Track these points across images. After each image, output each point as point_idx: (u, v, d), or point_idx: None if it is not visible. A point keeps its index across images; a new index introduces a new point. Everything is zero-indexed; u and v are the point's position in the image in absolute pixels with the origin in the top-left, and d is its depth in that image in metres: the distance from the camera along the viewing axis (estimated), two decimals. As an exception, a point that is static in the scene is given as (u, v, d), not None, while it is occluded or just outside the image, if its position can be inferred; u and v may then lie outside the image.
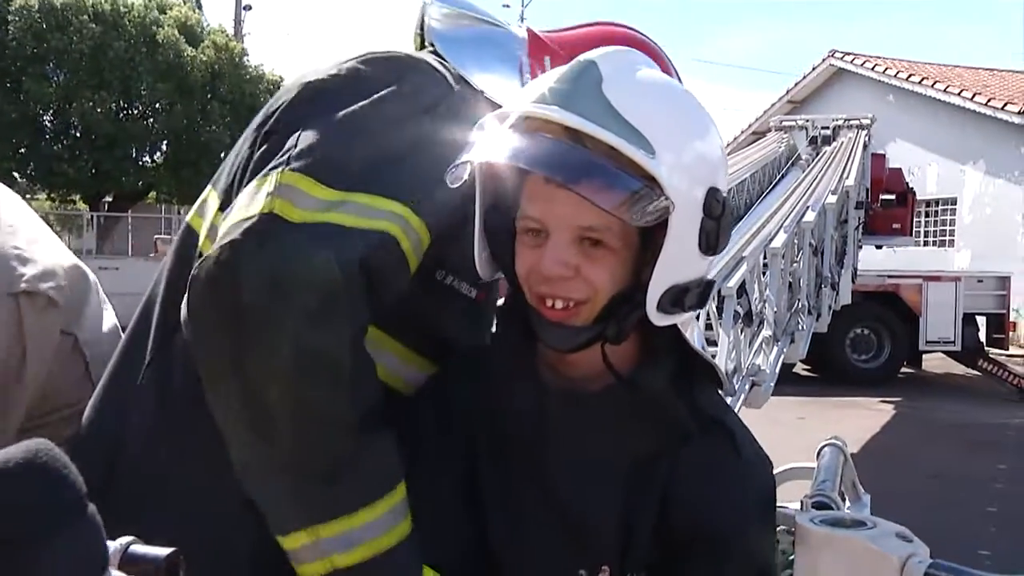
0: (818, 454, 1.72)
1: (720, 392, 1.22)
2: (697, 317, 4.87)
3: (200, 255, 1.16)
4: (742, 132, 21.57)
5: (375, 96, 1.14)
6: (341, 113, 1.12)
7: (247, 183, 1.11)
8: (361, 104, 1.13)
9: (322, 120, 1.12)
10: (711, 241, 1.06)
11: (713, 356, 4.63)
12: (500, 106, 1.21)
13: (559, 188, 1.00)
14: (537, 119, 1.02)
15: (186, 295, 1.04)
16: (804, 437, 8.02)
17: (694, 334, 1.23)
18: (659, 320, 1.06)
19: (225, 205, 1.16)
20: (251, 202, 1.05)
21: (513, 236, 1.10)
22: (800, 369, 12.50)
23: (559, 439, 1.10)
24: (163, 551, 0.84)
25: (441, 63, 1.30)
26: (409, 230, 1.08)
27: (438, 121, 1.17)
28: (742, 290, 5.05)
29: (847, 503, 1.78)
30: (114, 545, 0.87)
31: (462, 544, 1.11)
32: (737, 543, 1.09)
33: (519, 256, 1.09)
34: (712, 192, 1.05)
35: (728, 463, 1.11)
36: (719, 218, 1.05)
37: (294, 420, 1.01)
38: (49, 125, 20.68)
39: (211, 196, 1.26)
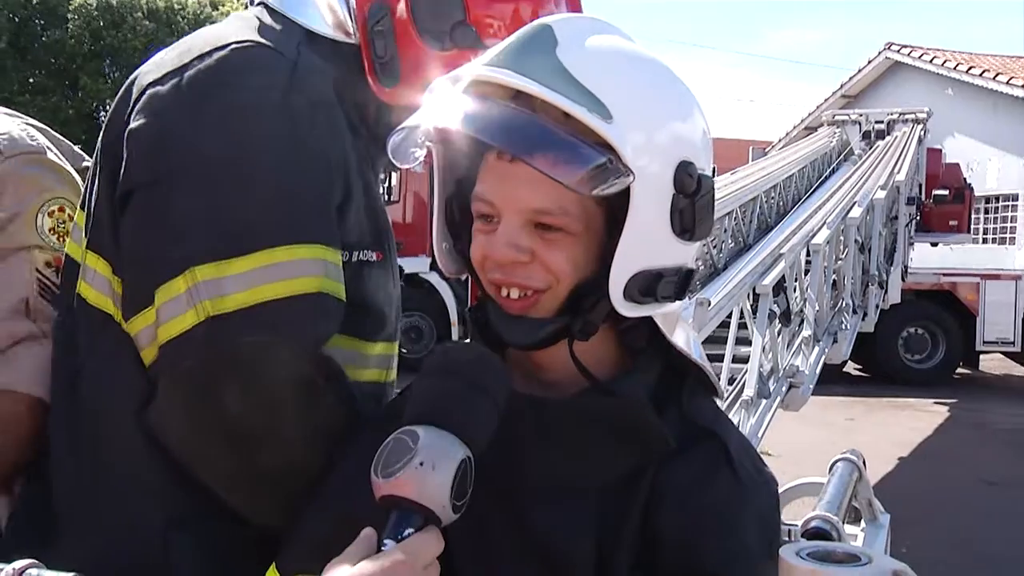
0: (830, 469, 1.60)
1: (716, 399, 1.10)
2: (729, 316, 4.77)
3: (93, 310, 1.17)
4: (794, 127, 21.15)
5: (222, 129, 1.11)
6: (197, 166, 1.10)
7: (130, 253, 1.12)
8: (213, 146, 1.10)
9: (182, 182, 1.10)
10: (686, 222, 0.96)
11: (746, 357, 4.52)
12: (351, 44, 1.26)
13: (511, 164, 0.93)
14: (485, 84, 0.94)
15: (156, 416, 1.10)
16: (853, 439, 7.89)
17: (690, 336, 1.11)
18: (627, 310, 0.96)
19: (98, 248, 1.17)
20: (177, 310, 1.07)
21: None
22: (851, 369, 12.26)
23: (528, 454, 0.99)
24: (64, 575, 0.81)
25: (275, 19, 1.23)
26: (329, 268, 1.11)
27: (293, 113, 1.13)
28: (781, 288, 4.89)
29: (862, 523, 1.66)
30: (7, 569, 0.82)
31: None
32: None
33: (474, 242, 1.00)
34: (684, 166, 0.95)
35: (719, 480, 0.99)
36: (694, 196, 0.95)
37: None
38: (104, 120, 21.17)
39: (81, 221, 1.24)
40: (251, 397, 1.05)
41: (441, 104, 0.95)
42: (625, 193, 0.91)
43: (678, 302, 1.02)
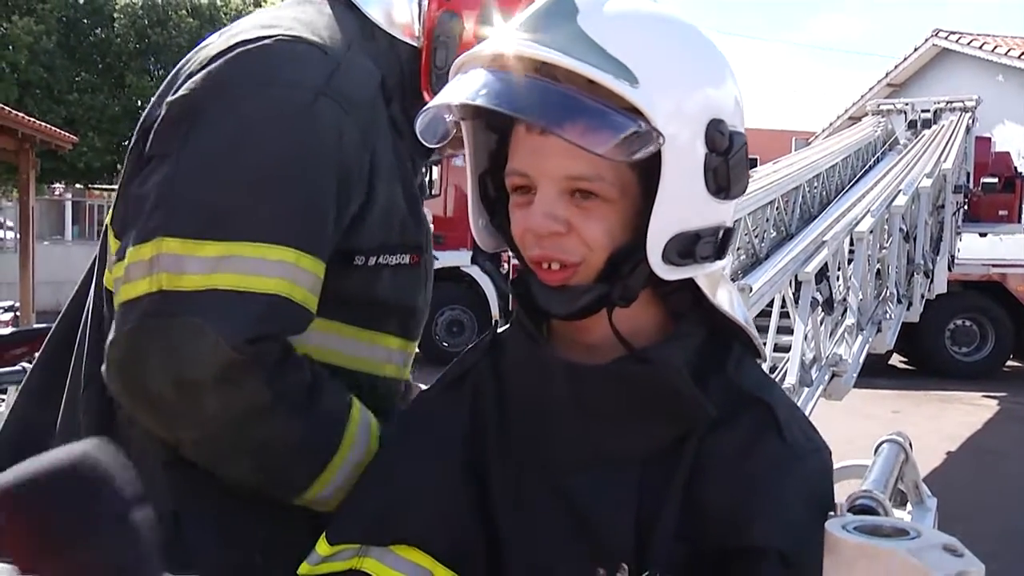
0: (876, 450, 1.57)
1: (760, 363, 1.09)
2: (771, 304, 4.71)
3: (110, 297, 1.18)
4: (838, 117, 20.83)
5: (242, 116, 1.11)
6: (207, 145, 1.10)
7: (131, 221, 1.12)
8: (227, 130, 1.11)
9: (187, 157, 1.10)
10: (720, 181, 0.96)
11: (787, 346, 4.45)
12: (413, 46, 1.28)
13: (542, 136, 0.93)
14: (508, 57, 0.94)
15: (103, 369, 1.11)
16: (899, 431, 7.72)
17: (733, 296, 1.09)
18: (666, 273, 0.96)
19: (119, 228, 1.18)
20: (138, 274, 1.08)
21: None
22: (896, 361, 12.06)
23: (566, 422, 0.99)
24: None
25: (337, 10, 1.22)
26: (299, 275, 1.10)
27: (319, 116, 1.12)
28: (824, 276, 4.82)
29: (908, 507, 1.62)
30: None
31: (459, 528, 1.02)
32: (781, 553, 0.92)
33: (512, 219, 1.00)
34: (715, 124, 0.94)
35: (766, 447, 0.97)
36: (727, 154, 0.95)
37: (240, 454, 1.12)
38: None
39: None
40: (168, 374, 1.05)
41: (465, 81, 0.95)
42: (658, 156, 0.91)
43: (719, 262, 1.02)
